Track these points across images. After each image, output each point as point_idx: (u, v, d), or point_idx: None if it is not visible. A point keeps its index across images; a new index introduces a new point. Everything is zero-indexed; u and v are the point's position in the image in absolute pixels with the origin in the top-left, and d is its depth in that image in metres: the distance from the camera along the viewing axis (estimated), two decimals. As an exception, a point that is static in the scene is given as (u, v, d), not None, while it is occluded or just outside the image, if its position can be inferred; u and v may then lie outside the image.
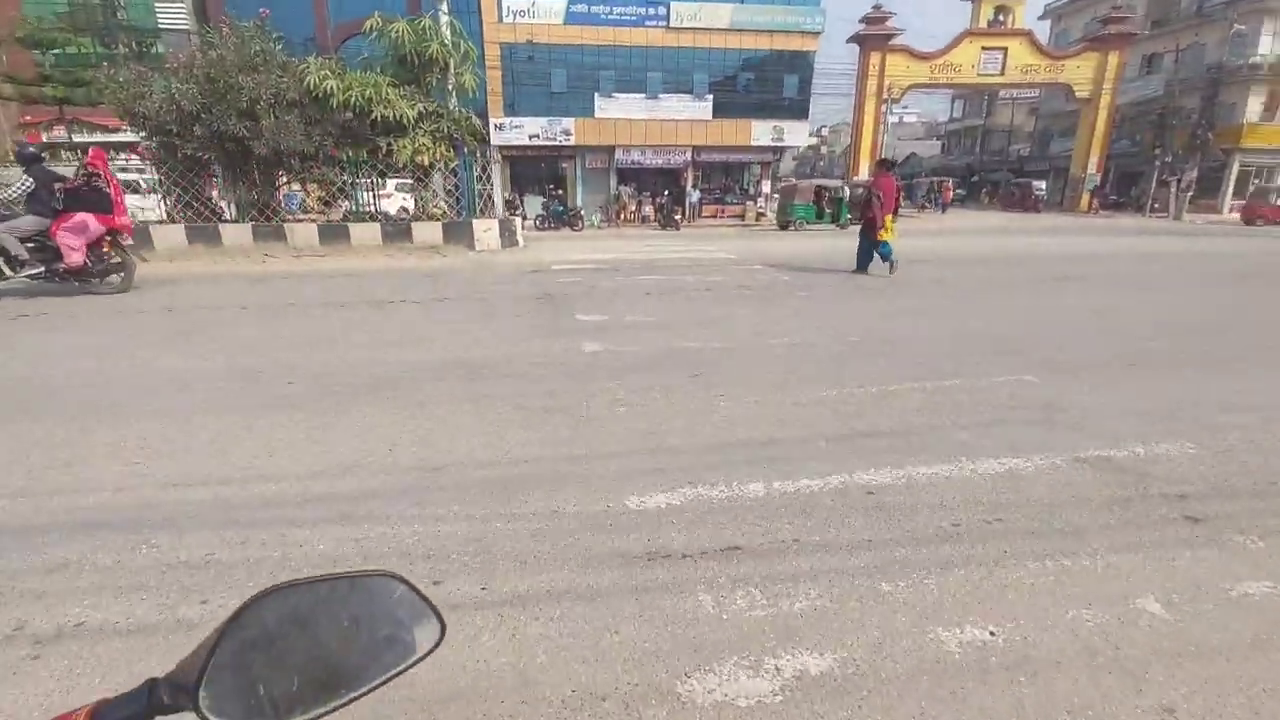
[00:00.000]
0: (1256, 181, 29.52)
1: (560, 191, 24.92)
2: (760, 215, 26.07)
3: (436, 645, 0.59)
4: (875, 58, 30.39)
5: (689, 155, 25.54)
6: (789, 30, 24.52)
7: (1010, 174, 43.65)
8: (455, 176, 13.38)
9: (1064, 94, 33.58)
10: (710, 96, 24.68)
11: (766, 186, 27.33)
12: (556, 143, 24.60)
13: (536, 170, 25.92)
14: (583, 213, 21.79)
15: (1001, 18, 30.50)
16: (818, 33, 24.89)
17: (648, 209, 24.88)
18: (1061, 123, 40.62)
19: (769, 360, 4.80)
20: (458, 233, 12.77)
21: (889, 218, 9.44)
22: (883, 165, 10.16)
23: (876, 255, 9.53)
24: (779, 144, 25.95)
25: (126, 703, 0.49)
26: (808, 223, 21.13)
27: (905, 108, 54.10)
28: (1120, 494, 2.68)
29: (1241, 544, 2.31)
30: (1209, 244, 15.95)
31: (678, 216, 22.24)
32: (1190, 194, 28.06)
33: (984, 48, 30.49)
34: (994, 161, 48.58)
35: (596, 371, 4.56)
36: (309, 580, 0.55)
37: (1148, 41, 33.99)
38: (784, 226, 21.40)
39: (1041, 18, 41.43)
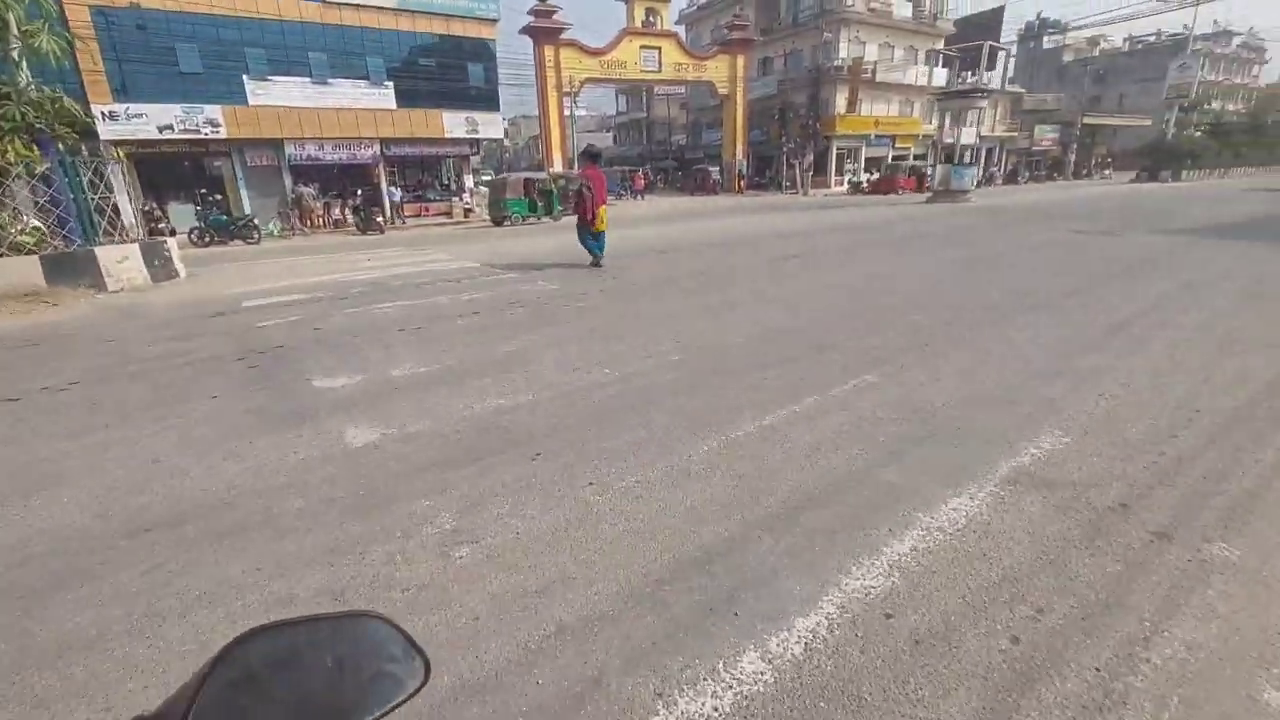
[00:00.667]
0: (892, 162, 38.11)
1: (218, 196, 20.17)
2: (468, 211, 24.68)
3: (423, 684, 0.59)
4: (549, 51, 30.93)
5: (377, 149, 22.80)
6: (464, 16, 23.30)
7: (674, 162, 49.07)
8: (49, 186, 9.54)
9: (709, 90, 38.64)
10: (390, 84, 22.25)
11: (469, 181, 25.98)
12: (201, 135, 19.67)
13: (178, 171, 20.49)
14: (256, 221, 17.89)
15: (652, 19, 33.50)
16: (494, 20, 24.15)
17: (340, 212, 21.62)
18: (709, 115, 46.74)
19: (605, 410, 3.70)
20: (71, 269, 9.01)
21: (601, 209, 9.46)
22: (589, 157, 10.03)
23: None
24: (475, 136, 24.71)
25: None
26: (522, 217, 20.55)
27: (580, 103, 56.97)
28: (1087, 524, 2.38)
29: (1227, 559, 2.15)
30: (860, 214, 19.65)
31: (379, 219, 19.71)
32: (810, 173, 34.72)
33: (642, 46, 33.21)
34: (660, 151, 54.01)
35: (384, 484, 2.84)
36: (290, 622, 0.55)
37: (762, 47, 40.84)
38: (498, 222, 20.51)
39: (678, 23, 46.98)
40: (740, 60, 35.99)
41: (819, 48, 37.43)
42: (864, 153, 39.98)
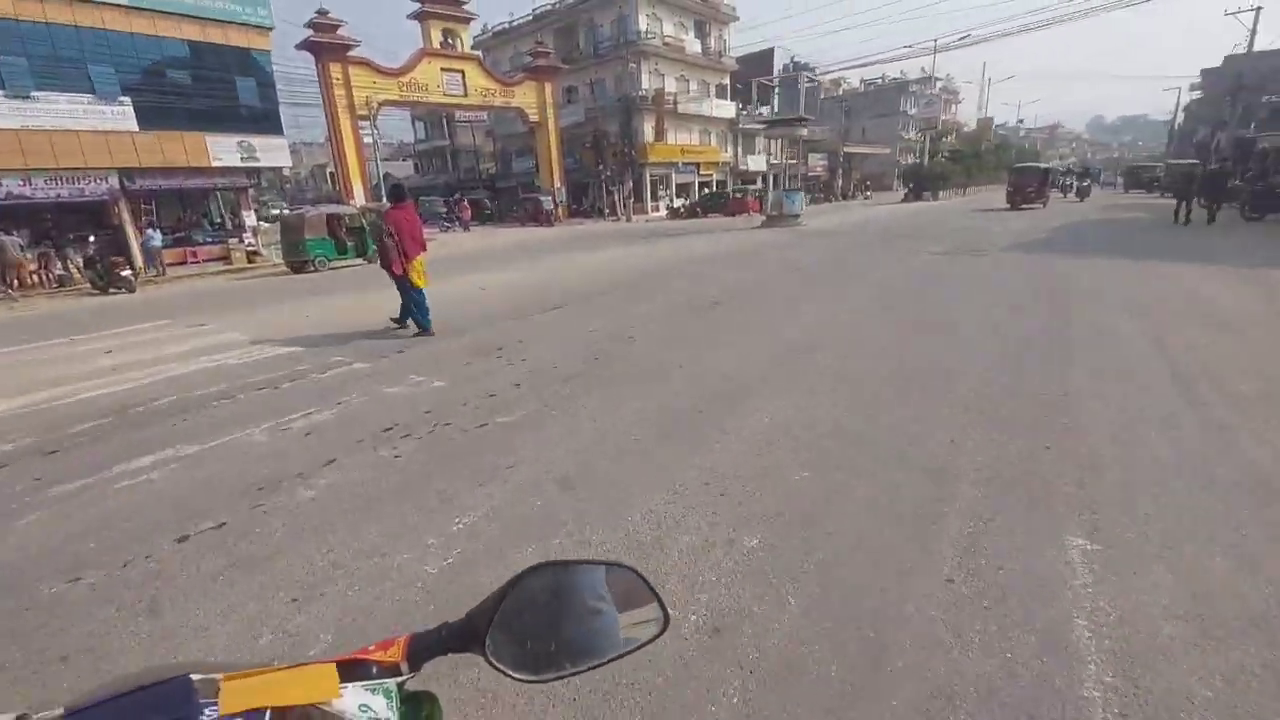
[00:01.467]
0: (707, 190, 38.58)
1: None
2: (254, 254, 20.19)
3: (661, 632, 0.67)
4: (336, 69, 27.12)
5: (115, 181, 17.56)
6: (225, 21, 18.97)
7: (487, 191, 46.48)
8: None
9: (517, 117, 36.97)
10: (127, 99, 17.28)
11: (251, 218, 21.30)
12: None
13: None
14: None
15: (451, 40, 31.03)
16: (267, 28, 20.08)
17: (62, 266, 16.20)
18: (517, 143, 45.03)
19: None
20: None
21: (416, 260, 7.40)
22: (396, 194, 7.83)
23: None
24: (254, 164, 20.27)
25: (429, 637, 0.62)
26: (329, 260, 17.04)
27: (376, 130, 51.75)
28: None
29: None
30: (708, 241, 19.08)
31: (125, 272, 14.96)
32: (631, 200, 34.55)
33: (444, 69, 30.59)
34: (470, 180, 50.94)
35: None
36: (567, 562, 0.67)
37: (564, 76, 40.16)
38: (297, 268, 16.78)
39: (474, 48, 44.70)
40: (548, 87, 34.83)
41: (622, 77, 37.67)
42: (674, 179, 41.01)
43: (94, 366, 6.81)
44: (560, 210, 35.64)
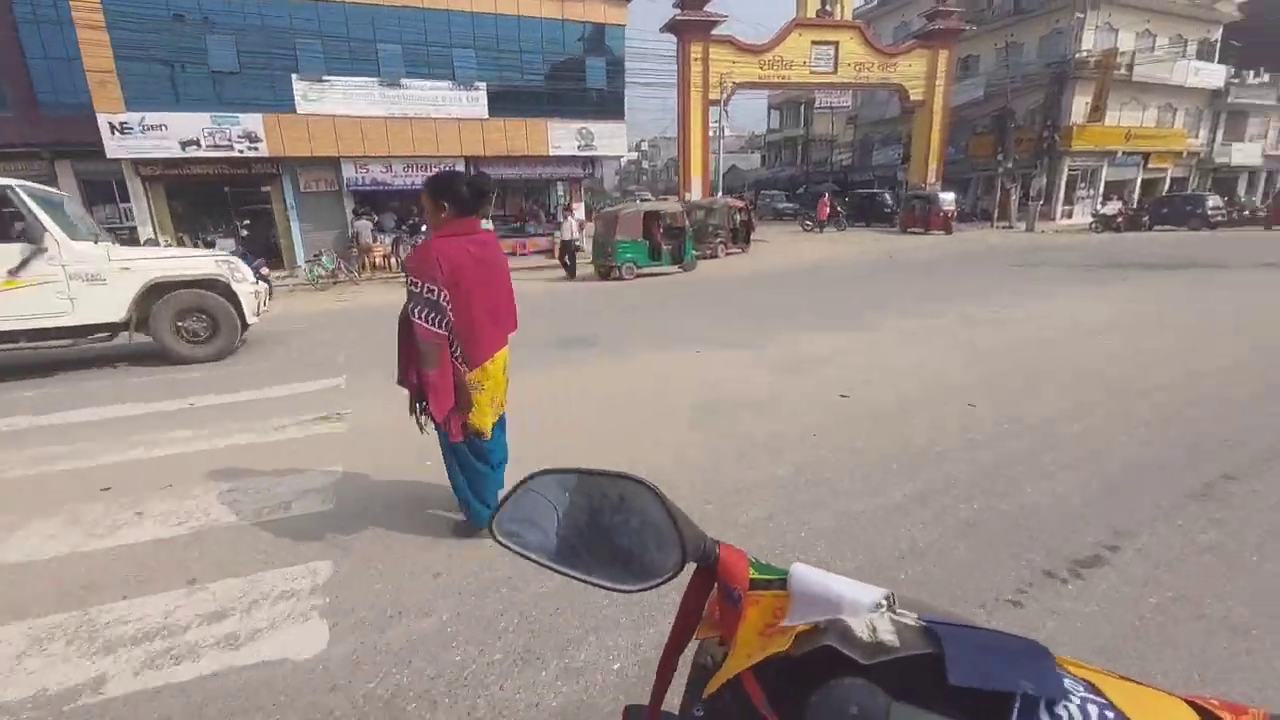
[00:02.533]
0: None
1: (245, 231, 15.51)
2: (577, 249, 18.60)
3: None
4: (696, 49, 24.44)
5: (462, 170, 17.29)
6: (587, -5, 17.21)
7: (835, 185, 40.69)
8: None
9: (892, 98, 30.23)
10: (483, 85, 16.62)
11: (580, 212, 19.81)
12: (235, 154, 15.07)
13: (217, 197, 16.11)
14: (264, 269, 12.65)
15: (829, 7, 25.91)
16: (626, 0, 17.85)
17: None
18: (881, 130, 38.08)
19: None
20: None
21: (499, 356, 2.68)
22: (452, 193, 2.48)
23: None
24: (589, 153, 18.51)
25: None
26: (639, 265, 13.90)
27: (726, 116, 50.58)
28: None
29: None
30: None
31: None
32: (1040, 202, 25.19)
33: (814, 41, 25.68)
34: (818, 173, 45.75)
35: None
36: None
37: (965, 43, 31.71)
38: (605, 274, 14.03)
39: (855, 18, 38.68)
40: (942, 56, 27.24)
41: (1049, 38, 27.75)
42: (1104, 174, 29.42)
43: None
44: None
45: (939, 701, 0.44)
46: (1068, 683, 0.45)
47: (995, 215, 27.15)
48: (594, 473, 0.64)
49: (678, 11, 23.85)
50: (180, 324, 6.59)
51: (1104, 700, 0.44)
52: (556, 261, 17.75)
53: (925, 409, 4.43)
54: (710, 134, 25.38)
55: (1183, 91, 29.99)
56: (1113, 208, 25.00)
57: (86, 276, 6.08)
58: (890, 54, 27.25)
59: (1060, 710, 0.42)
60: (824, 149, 46.73)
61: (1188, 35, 30.33)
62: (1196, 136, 31.72)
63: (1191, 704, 0.48)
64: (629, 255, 13.66)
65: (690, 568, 0.60)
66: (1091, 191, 29.20)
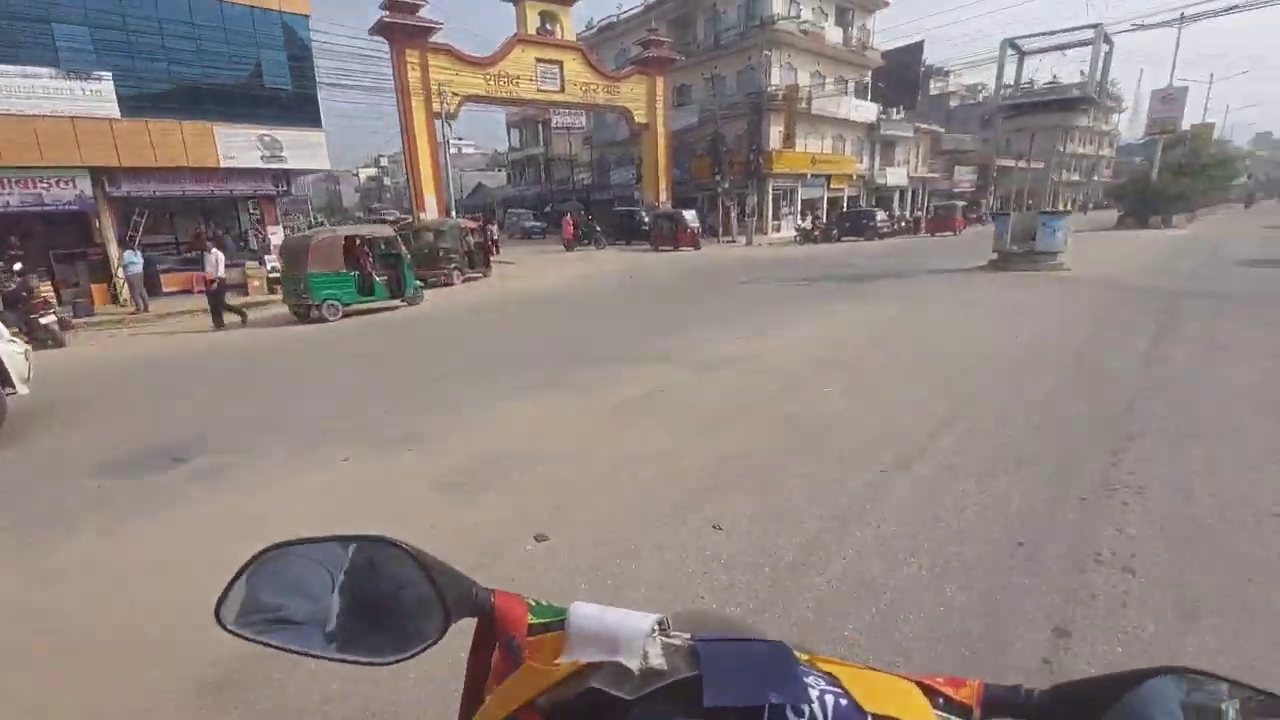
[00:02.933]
0: (949, 201, 31.47)
1: None
2: (277, 282, 15.23)
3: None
4: (413, 56, 22.35)
5: (85, 186, 12.92)
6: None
7: (579, 204, 41.24)
8: None
9: (619, 121, 31.30)
10: (107, 75, 12.64)
11: (276, 236, 16.34)
12: None
13: None
14: None
15: (549, 26, 25.68)
16: (307, -12, 15.08)
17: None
18: (615, 151, 39.54)
19: None
20: None
21: None
22: None
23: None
24: (277, 165, 15.29)
25: (1006, 694, 0.54)
26: (345, 303, 11.54)
27: (460, 137, 48.32)
28: None
29: None
30: (955, 300, 12.27)
31: (50, 319, 10.00)
32: (754, 218, 27.86)
33: (539, 59, 25.25)
34: (562, 191, 46.02)
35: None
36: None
37: (677, 73, 34.18)
38: (304, 315, 11.40)
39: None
40: (660, 82, 28.83)
41: (745, 73, 31.11)
42: (800, 194, 33.93)
43: None
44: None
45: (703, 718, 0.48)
46: (810, 680, 0.50)
47: (720, 231, 29.50)
48: (333, 539, 0.57)
49: (384, 13, 21.50)
50: None
51: (841, 690, 0.49)
52: (254, 295, 14.37)
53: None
54: (443, 144, 23.39)
55: (848, 124, 35.96)
56: (809, 222, 28.74)
57: None
58: (613, 78, 28.02)
59: (804, 708, 0.47)
60: (565, 168, 47.24)
61: (848, 76, 36.46)
62: (862, 162, 38.35)
63: (919, 683, 0.54)
64: (329, 291, 11.23)
65: (470, 623, 0.58)
66: (793, 208, 33.40)
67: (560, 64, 25.80)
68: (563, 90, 26.18)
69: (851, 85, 36.68)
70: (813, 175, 33.81)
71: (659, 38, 28.89)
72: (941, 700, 0.54)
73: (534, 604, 0.58)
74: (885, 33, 41.55)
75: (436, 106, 22.48)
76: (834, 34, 34.09)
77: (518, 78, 24.79)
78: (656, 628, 0.53)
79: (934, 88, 75.17)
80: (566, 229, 28.15)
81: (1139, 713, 0.47)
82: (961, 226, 32.02)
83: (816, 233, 27.76)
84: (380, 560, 0.56)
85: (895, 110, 39.93)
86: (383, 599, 0.55)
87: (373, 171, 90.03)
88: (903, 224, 32.30)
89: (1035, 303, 9.64)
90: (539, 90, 25.54)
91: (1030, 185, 46.59)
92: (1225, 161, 35.30)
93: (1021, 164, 54.93)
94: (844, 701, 0.48)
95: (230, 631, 0.54)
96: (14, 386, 5.21)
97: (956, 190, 47.88)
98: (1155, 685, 0.47)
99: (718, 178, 28.23)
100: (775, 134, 30.82)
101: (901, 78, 38.49)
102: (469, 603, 0.56)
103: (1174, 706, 0.47)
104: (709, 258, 21.63)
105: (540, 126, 49.01)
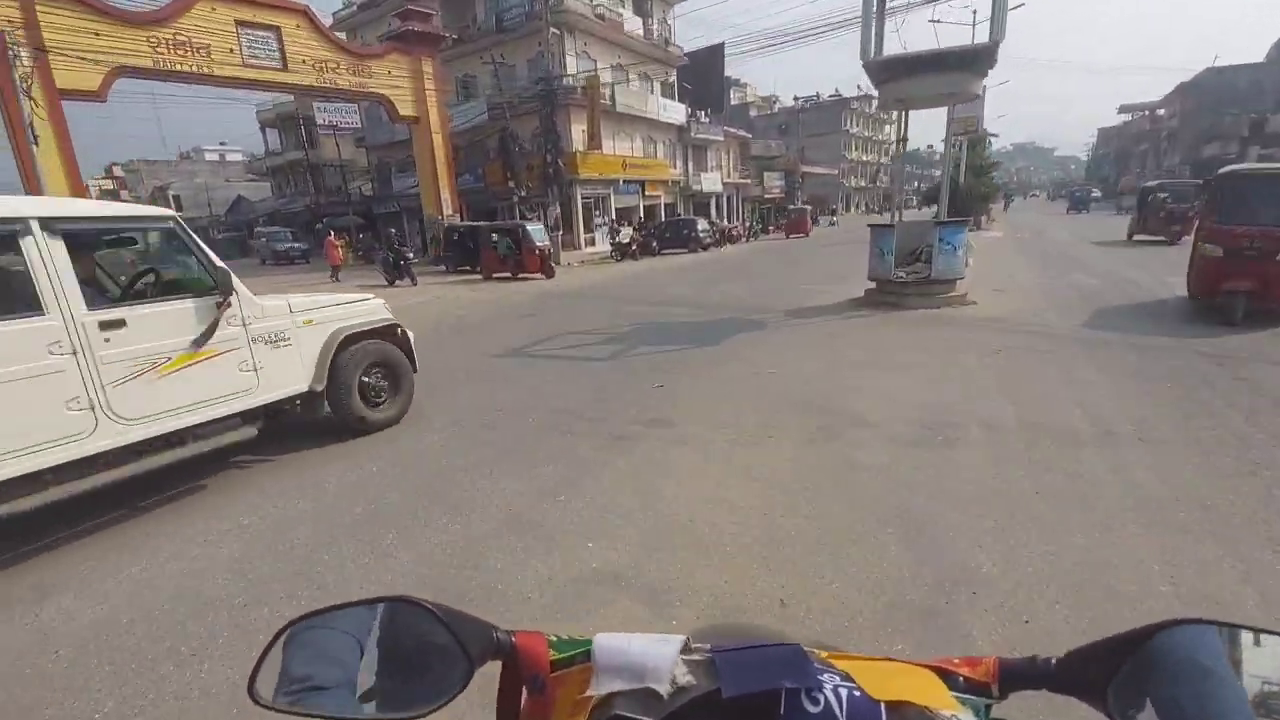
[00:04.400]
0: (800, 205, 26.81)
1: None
2: None
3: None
4: (8, 6, 14.11)
5: None
6: None
7: (358, 217, 33.38)
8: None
9: (387, 114, 24.53)
10: None
11: None
12: None
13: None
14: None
15: (266, -19, 18.39)
16: None
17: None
18: (395, 155, 32.41)
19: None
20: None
21: None
22: None
23: None
24: None
25: (1021, 666, 0.56)
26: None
27: (223, 142, 37.68)
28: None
29: None
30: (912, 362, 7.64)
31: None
32: (559, 232, 22.74)
33: (241, 22, 17.88)
34: (336, 203, 37.53)
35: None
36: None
37: (459, 62, 28.12)
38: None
39: (333, 28, 31.36)
40: (428, 65, 22.56)
41: (536, 61, 25.98)
42: (613, 202, 29.58)
43: None
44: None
45: (737, 716, 0.50)
46: (825, 676, 0.52)
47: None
48: (354, 605, 0.58)
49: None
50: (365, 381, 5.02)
51: (853, 684, 0.51)
52: None
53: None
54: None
55: (659, 125, 32.39)
56: (626, 234, 24.33)
57: (269, 337, 4.33)
58: (359, 54, 21.27)
59: (817, 695, 0.50)
60: (337, 175, 38.71)
61: (653, 75, 32.93)
62: (675, 167, 35.13)
63: (936, 668, 0.56)
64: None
65: (495, 666, 0.59)
66: (606, 219, 28.94)
67: (276, 30, 18.61)
68: (286, 68, 18.97)
69: (657, 85, 33.25)
70: (625, 181, 29.64)
71: (420, 8, 22.65)
72: (961, 680, 0.55)
73: (555, 639, 0.59)
74: (685, 19, 38.81)
75: (69, 78, 14.46)
76: (633, 23, 30.21)
77: (207, 47, 17.24)
78: (682, 647, 0.55)
79: (734, 97, 76.40)
80: (331, 253, 20.95)
81: (1154, 664, 0.47)
82: (809, 229, 35.53)
83: (634, 246, 23.37)
84: (403, 618, 0.56)
85: (704, 113, 37.41)
86: (408, 655, 0.55)
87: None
88: (723, 234, 29.20)
89: (991, 397, 5.38)
90: (247, 65, 18.13)
91: (818, 191, 46.85)
92: (995, 165, 37.29)
93: (819, 169, 56.33)
94: (857, 693, 0.50)
95: (266, 706, 0.53)
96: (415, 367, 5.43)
97: (768, 196, 47.12)
98: (1166, 638, 0.48)
99: (511, 184, 22.70)
100: (579, 134, 26.09)
101: (705, 79, 35.99)
102: (491, 647, 0.57)
103: (1185, 656, 0.47)
104: (497, 292, 16.05)
105: (302, 125, 40.04)
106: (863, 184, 76.46)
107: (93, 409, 3.47)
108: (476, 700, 0.78)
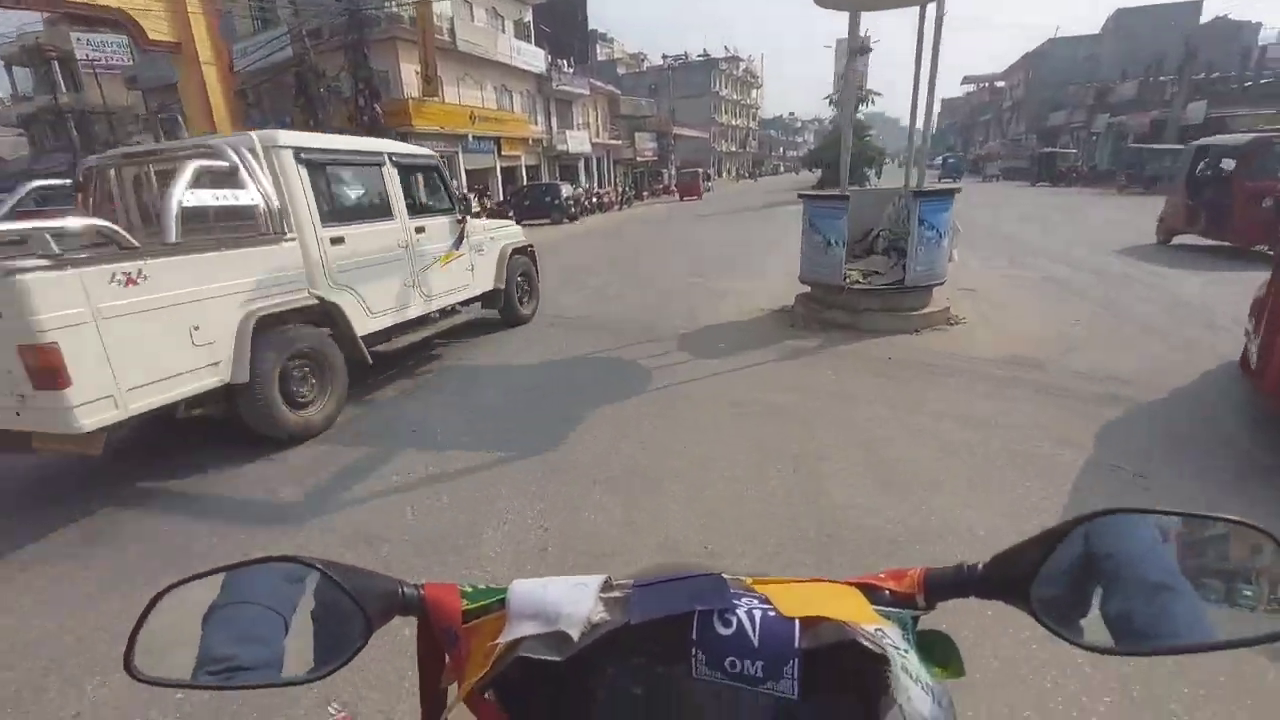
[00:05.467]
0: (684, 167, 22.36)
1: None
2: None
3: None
4: None
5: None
6: None
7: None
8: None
9: (131, 39, 18.31)
10: None
11: None
12: None
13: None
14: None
15: None
16: None
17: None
18: (179, 98, 25.46)
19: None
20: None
21: None
22: None
23: None
24: None
25: (947, 575, 0.55)
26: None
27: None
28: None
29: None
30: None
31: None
32: (387, 198, 18.18)
33: None
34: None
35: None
36: (1147, 511, 0.51)
37: (248, -21, 22.03)
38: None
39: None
40: (185, -27, 16.78)
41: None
42: (462, 161, 25.05)
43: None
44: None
45: (650, 646, 0.50)
46: (742, 600, 0.51)
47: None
48: (237, 566, 0.53)
49: None
50: (519, 282, 7.05)
51: (770, 605, 0.51)
52: None
53: None
54: None
55: (513, 72, 27.97)
56: (475, 207, 20.16)
57: (478, 247, 6.21)
58: (71, -54, 15.19)
59: (730, 617, 0.50)
60: (107, 125, 30.56)
61: (503, 11, 28.28)
62: (536, 123, 30.93)
63: (862, 584, 0.55)
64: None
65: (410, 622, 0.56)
66: (456, 182, 24.38)
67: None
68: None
69: (510, 25, 28.66)
70: (476, 137, 25.17)
71: (171, -107, 16.65)
72: (888, 594, 0.54)
73: (470, 589, 0.57)
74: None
75: None
76: (476, -54, 25.39)
77: None
78: (599, 590, 0.53)
79: (600, 53, 71.91)
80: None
81: (1075, 555, 0.48)
82: (702, 191, 34.57)
83: (485, 218, 19.33)
84: (293, 579, 0.53)
85: (566, 63, 33.31)
86: (306, 616, 0.52)
87: None
88: (594, 199, 25.82)
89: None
90: None
91: (689, 155, 44.13)
92: (870, 128, 36.46)
93: (690, 132, 53.98)
94: (772, 613, 0.50)
95: (147, 681, 0.50)
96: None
97: (640, 159, 44.06)
98: (1083, 531, 0.49)
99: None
100: (412, 76, 21.31)
101: (567, 23, 31.89)
102: (397, 603, 0.55)
103: (1103, 546, 0.49)
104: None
105: (56, 63, 31.43)
106: (733, 149, 75.57)
107: (415, 286, 5.21)
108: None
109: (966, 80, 68.32)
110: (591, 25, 43.60)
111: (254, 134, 4.12)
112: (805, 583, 0.55)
